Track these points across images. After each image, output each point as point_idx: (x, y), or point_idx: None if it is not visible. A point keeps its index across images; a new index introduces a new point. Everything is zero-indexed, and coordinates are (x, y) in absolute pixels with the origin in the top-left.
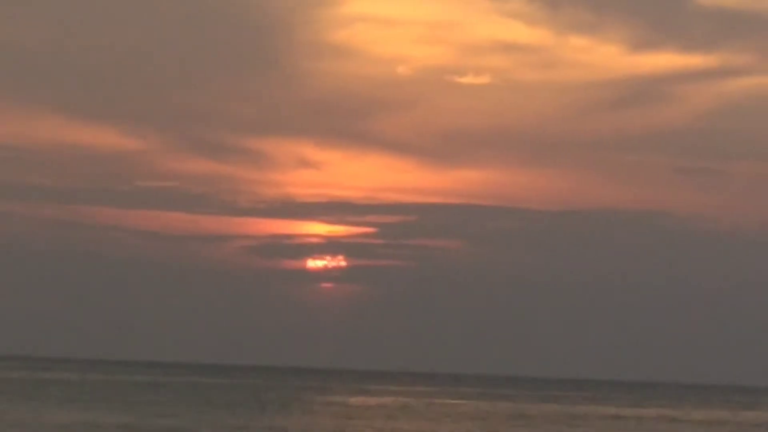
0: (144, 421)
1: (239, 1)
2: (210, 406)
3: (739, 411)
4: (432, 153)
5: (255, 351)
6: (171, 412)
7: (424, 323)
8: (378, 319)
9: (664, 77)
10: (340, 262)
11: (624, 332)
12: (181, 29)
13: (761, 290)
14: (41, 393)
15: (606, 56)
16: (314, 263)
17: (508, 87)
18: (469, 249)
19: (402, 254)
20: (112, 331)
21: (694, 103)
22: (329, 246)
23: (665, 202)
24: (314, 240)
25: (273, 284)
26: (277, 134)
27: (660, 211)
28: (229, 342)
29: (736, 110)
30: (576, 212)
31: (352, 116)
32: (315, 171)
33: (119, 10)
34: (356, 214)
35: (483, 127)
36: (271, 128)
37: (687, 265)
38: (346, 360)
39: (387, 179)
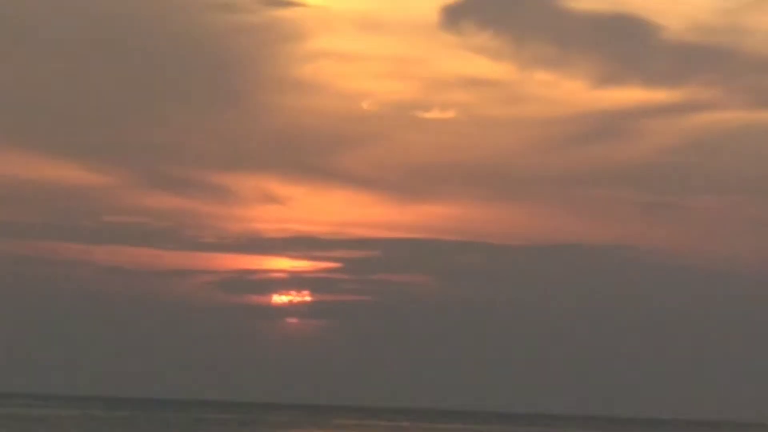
0: None
1: (203, 35)
2: None
3: None
4: (397, 188)
5: (219, 386)
6: None
7: (390, 358)
8: (343, 354)
9: (629, 112)
10: (305, 297)
11: (589, 366)
12: (145, 63)
13: (723, 323)
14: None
15: (570, 91)
16: (279, 298)
17: (473, 122)
18: (434, 284)
19: (367, 289)
20: (76, 365)
21: (658, 137)
22: (294, 281)
23: (628, 236)
24: (279, 275)
25: (237, 319)
26: (241, 169)
27: (623, 246)
28: (193, 377)
29: (699, 145)
30: (540, 247)
31: (317, 151)
32: (280, 206)
33: (82, 44)
34: (321, 249)
35: (448, 161)
36: (236, 163)
37: (650, 299)
38: (311, 395)
39: (352, 214)
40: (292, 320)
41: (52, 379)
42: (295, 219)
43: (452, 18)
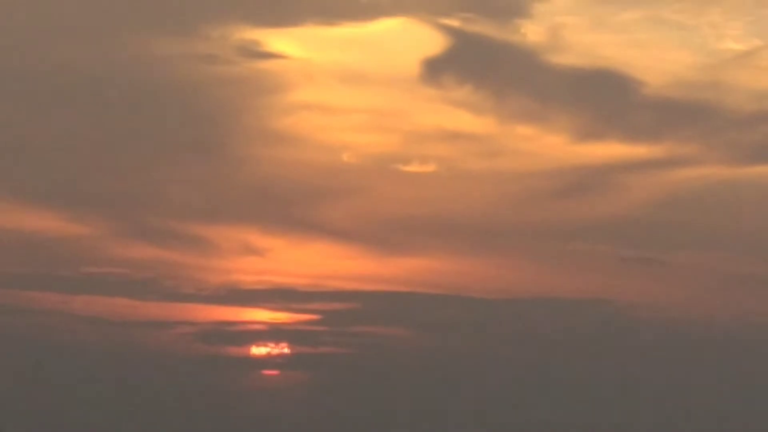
0: None
1: (185, 87)
2: None
3: None
4: (377, 241)
5: None
6: None
7: (369, 411)
8: (321, 406)
9: (609, 167)
10: (284, 349)
11: (568, 420)
12: (126, 114)
13: (699, 379)
14: None
15: (551, 146)
16: (258, 350)
17: (453, 175)
18: (413, 337)
19: (346, 342)
20: (55, 415)
21: (638, 192)
22: (273, 333)
23: (607, 290)
24: (258, 327)
25: (215, 371)
26: (221, 221)
27: (602, 300)
28: (171, 428)
29: (679, 200)
30: (520, 300)
31: (297, 203)
32: (259, 258)
33: (62, 94)
34: (300, 302)
35: (428, 215)
36: (216, 215)
37: (628, 354)
38: None
39: (331, 267)
40: (271, 372)
41: (33, 428)
42: (275, 271)
43: (433, 71)
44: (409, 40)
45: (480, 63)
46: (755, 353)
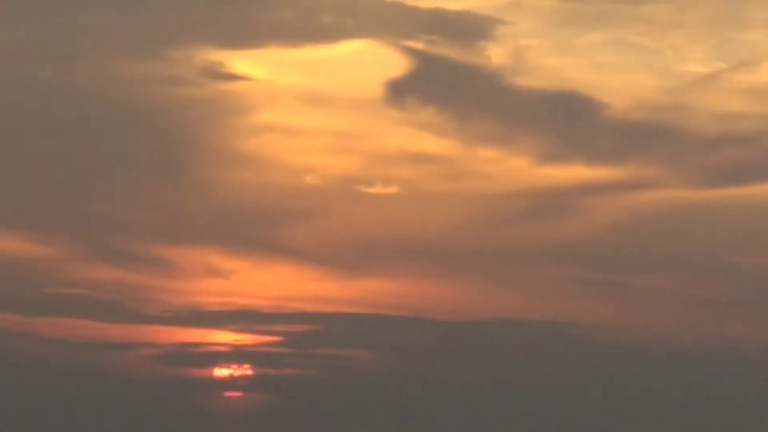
0: None
1: (147, 108)
2: None
3: None
4: (339, 263)
5: None
6: None
7: None
8: (284, 428)
9: (572, 189)
10: (247, 371)
11: None
12: (88, 135)
13: (661, 401)
14: None
15: (514, 168)
16: (220, 372)
17: (416, 198)
18: (376, 359)
19: (309, 363)
20: None
21: (601, 215)
22: (236, 355)
23: (570, 313)
24: (221, 348)
25: (178, 392)
26: (184, 242)
27: (564, 323)
28: None
29: (642, 223)
30: (482, 323)
31: (260, 225)
32: (222, 280)
33: (22, 115)
34: (263, 323)
35: (391, 237)
36: (179, 236)
37: (592, 377)
38: None
39: (295, 288)
40: (234, 394)
41: None
42: (238, 293)
43: (396, 94)
44: (373, 62)
45: (443, 85)
46: (718, 375)
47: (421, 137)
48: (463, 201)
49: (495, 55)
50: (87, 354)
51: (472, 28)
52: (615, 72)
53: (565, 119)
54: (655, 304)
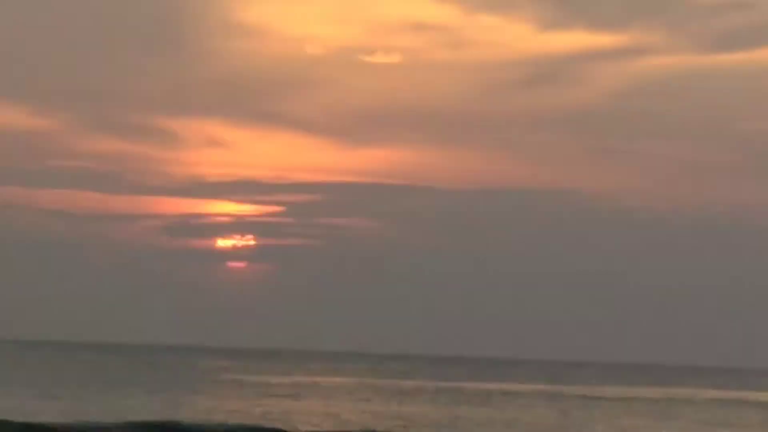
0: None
1: None
2: (115, 385)
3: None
4: (341, 132)
5: (162, 330)
6: (72, 394)
7: (333, 301)
8: (286, 297)
9: (574, 56)
10: (249, 241)
11: (533, 309)
12: (89, 7)
13: (666, 264)
14: None
15: (516, 35)
16: (223, 242)
17: (417, 66)
18: (377, 227)
19: (310, 233)
20: (21, 310)
21: (604, 82)
22: (238, 225)
23: (573, 181)
24: (223, 219)
25: (181, 263)
26: (186, 113)
27: (568, 190)
28: (136, 321)
29: (644, 90)
30: (485, 191)
31: (261, 95)
32: (224, 150)
33: None
34: (265, 193)
35: (392, 106)
36: (181, 107)
37: (593, 243)
38: (255, 339)
39: (296, 158)
40: (236, 264)
41: None
42: (240, 163)
43: None
44: None
45: None
46: (718, 238)
47: (421, 5)
48: (465, 69)
49: None
50: (89, 225)
51: None
52: None
53: None
54: (657, 170)
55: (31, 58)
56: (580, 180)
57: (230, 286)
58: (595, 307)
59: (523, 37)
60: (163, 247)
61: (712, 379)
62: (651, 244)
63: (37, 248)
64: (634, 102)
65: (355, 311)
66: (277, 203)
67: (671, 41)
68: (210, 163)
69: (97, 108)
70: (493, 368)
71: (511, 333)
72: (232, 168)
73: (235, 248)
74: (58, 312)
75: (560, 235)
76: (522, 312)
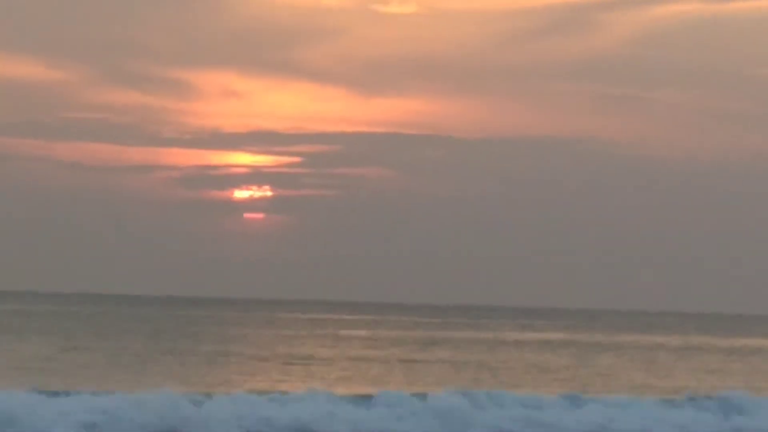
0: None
1: None
2: (135, 335)
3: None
4: (357, 82)
5: (180, 282)
6: (88, 344)
7: (352, 252)
8: (305, 248)
9: (592, 4)
10: (266, 192)
11: (551, 258)
12: None
13: (683, 214)
14: None
15: None
16: (240, 194)
17: (433, 15)
18: (395, 177)
19: (328, 183)
20: (37, 262)
21: (620, 29)
22: (255, 176)
23: (589, 129)
24: (239, 170)
25: (198, 214)
26: (200, 64)
27: (584, 138)
28: (154, 273)
29: (661, 37)
30: (501, 140)
31: (276, 46)
32: (240, 101)
33: None
34: (282, 144)
35: (408, 56)
36: (195, 58)
37: (611, 191)
38: (273, 290)
39: (312, 109)
40: (253, 215)
41: (12, 275)
42: (256, 114)
43: None
44: None
45: None
46: (735, 187)
47: None
48: (480, 18)
49: None
50: (106, 177)
51: None
52: None
53: None
54: (673, 118)
55: (46, 10)
56: (595, 128)
57: (247, 238)
58: (612, 255)
59: None
60: (180, 199)
61: (747, 327)
62: (667, 191)
63: (54, 200)
64: (650, 49)
65: (371, 261)
66: (294, 154)
67: None
68: (226, 114)
69: (112, 60)
70: (519, 317)
71: (530, 281)
72: (248, 119)
73: (251, 199)
74: (73, 263)
75: (578, 184)
76: (540, 261)
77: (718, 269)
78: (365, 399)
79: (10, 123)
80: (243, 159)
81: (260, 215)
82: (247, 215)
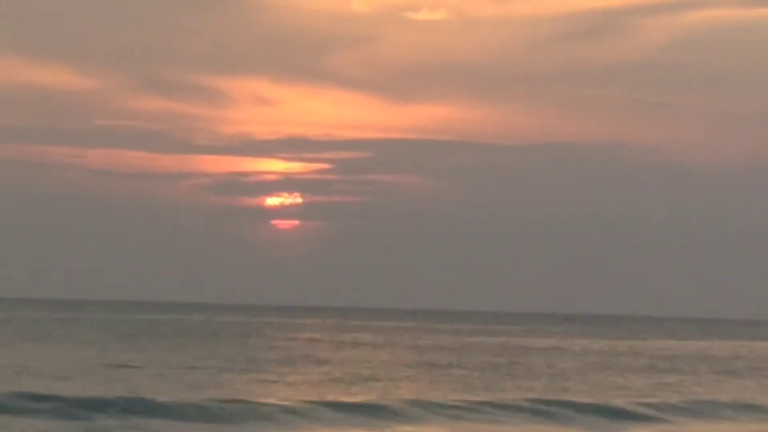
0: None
1: None
2: (167, 342)
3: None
4: (388, 89)
5: (212, 289)
6: (125, 349)
7: (381, 258)
8: (335, 255)
9: (621, 10)
10: (297, 198)
11: (580, 265)
12: None
13: (715, 218)
14: None
15: None
16: (271, 200)
17: (463, 22)
18: (425, 184)
19: (358, 190)
20: (70, 269)
21: (651, 35)
22: (286, 183)
23: (621, 135)
24: (271, 177)
25: (230, 222)
26: (232, 71)
27: (615, 144)
28: (186, 280)
29: (692, 43)
30: (532, 146)
31: (307, 52)
32: (271, 108)
33: None
34: (313, 151)
35: (439, 62)
36: (227, 65)
37: (642, 196)
38: (303, 296)
39: (343, 115)
40: (284, 222)
41: (42, 282)
42: (287, 121)
43: None
44: None
45: None
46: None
47: None
48: (511, 24)
49: None
50: (137, 184)
51: None
52: None
53: None
54: (706, 123)
55: (78, 18)
56: (626, 134)
57: (278, 244)
58: (643, 261)
59: None
60: (211, 206)
61: None
62: (700, 196)
63: (86, 208)
64: (682, 55)
65: (401, 267)
66: (325, 161)
67: None
68: (257, 121)
69: (144, 67)
70: (539, 323)
71: (559, 288)
72: (280, 126)
73: (282, 206)
74: (105, 270)
75: (609, 190)
76: (571, 267)
77: (752, 272)
78: None
79: (42, 130)
80: (274, 166)
81: (291, 221)
82: (277, 221)
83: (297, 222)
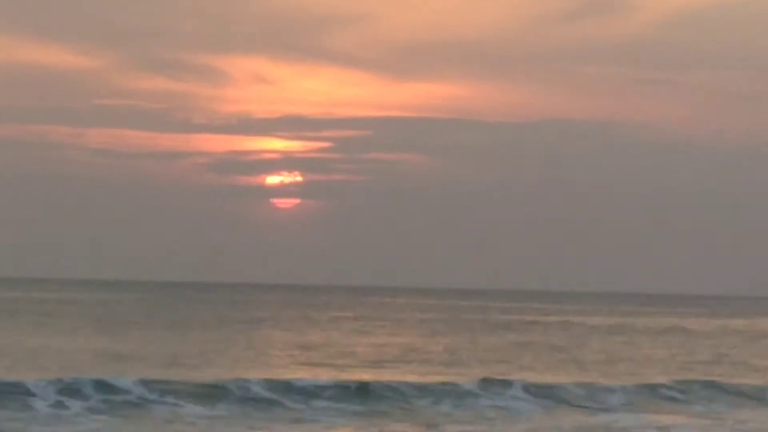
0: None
1: None
2: (167, 322)
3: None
4: (387, 67)
5: (212, 267)
6: (124, 332)
7: (382, 237)
8: (335, 233)
9: None
10: (297, 177)
11: (580, 242)
12: None
13: (713, 196)
14: None
15: None
16: (271, 179)
17: (461, 0)
18: (425, 162)
19: (358, 169)
20: (69, 249)
21: (650, 13)
22: (285, 162)
23: (621, 112)
24: (270, 156)
25: (229, 200)
26: (231, 51)
27: (615, 121)
28: (186, 259)
29: (693, 20)
30: (533, 124)
31: (306, 31)
32: (270, 87)
33: None
34: (312, 130)
35: (438, 40)
36: (226, 44)
37: (641, 173)
38: (303, 275)
39: (343, 94)
40: (284, 201)
41: (42, 261)
42: (286, 100)
43: None
44: None
45: None
46: (764, 167)
47: None
48: (511, 2)
49: None
50: (137, 163)
51: None
52: None
53: None
54: (704, 101)
55: None
56: (627, 111)
57: (278, 223)
58: (643, 238)
59: None
60: (211, 185)
61: None
62: (698, 174)
63: (86, 187)
64: (682, 33)
65: (402, 245)
66: (325, 139)
67: None
68: (256, 100)
69: (143, 46)
70: (540, 301)
71: (561, 265)
72: (279, 105)
73: (282, 185)
74: (104, 249)
75: (608, 167)
76: (572, 244)
77: (749, 250)
78: None
79: (41, 109)
80: (274, 144)
81: (291, 200)
82: (277, 200)
83: (297, 201)
